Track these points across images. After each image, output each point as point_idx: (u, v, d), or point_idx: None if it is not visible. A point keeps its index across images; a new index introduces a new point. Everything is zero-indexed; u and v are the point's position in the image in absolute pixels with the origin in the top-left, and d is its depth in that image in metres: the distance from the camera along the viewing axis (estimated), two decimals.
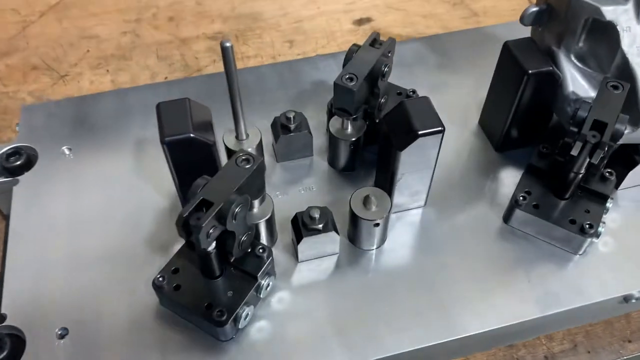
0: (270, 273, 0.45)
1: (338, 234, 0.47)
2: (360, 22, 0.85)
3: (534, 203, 0.49)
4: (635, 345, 0.54)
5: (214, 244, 0.41)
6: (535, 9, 0.52)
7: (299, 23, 0.84)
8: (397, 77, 0.63)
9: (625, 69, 0.48)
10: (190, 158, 0.45)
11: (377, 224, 0.47)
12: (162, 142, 0.43)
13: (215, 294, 0.43)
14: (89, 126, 0.59)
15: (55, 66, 0.78)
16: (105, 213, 0.52)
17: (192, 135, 0.44)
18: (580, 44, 0.51)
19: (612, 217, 0.52)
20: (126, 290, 0.47)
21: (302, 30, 0.83)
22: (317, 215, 0.46)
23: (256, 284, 0.44)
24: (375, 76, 0.49)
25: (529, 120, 0.53)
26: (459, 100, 0.61)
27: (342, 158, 0.54)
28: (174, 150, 0.44)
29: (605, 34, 0.48)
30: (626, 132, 0.49)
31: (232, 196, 0.39)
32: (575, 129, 0.45)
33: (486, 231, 0.51)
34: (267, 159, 0.56)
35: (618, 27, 0.47)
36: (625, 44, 0.47)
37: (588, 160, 0.45)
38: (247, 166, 0.41)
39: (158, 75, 0.77)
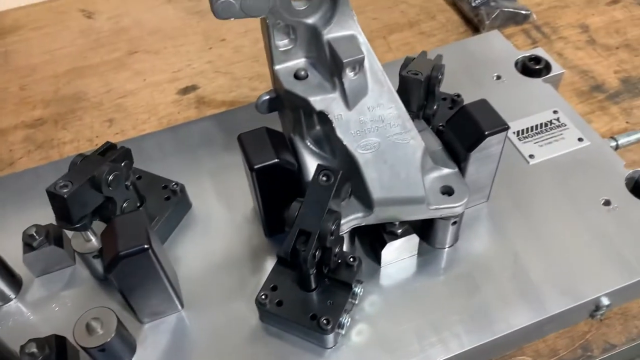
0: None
1: None
2: (185, 91, 0.83)
3: (278, 300, 0.47)
4: None
5: None
6: (266, 97, 0.51)
7: (123, 99, 0.83)
8: (179, 164, 0.62)
9: (347, 154, 0.46)
10: None
11: (103, 349, 0.44)
12: None
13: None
14: None
15: None
16: None
17: None
18: (317, 128, 0.50)
19: (372, 300, 0.50)
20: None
21: (124, 107, 0.82)
22: (34, 350, 0.44)
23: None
24: (98, 184, 0.47)
25: (284, 205, 0.52)
26: (238, 183, 0.59)
27: (97, 270, 0.52)
28: None
29: (327, 122, 0.47)
30: (361, 215, 0.48)
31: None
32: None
33: (242, 332, 0.49)
34: (26, 273, 0.53)
35: (330, 116, 0.46)
36: (339, 131, 0.46)
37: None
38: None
39: None
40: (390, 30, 0.90)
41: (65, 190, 0.45)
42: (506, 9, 0.86)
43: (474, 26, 0.88)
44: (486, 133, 0.48)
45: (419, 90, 0.52)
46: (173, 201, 0.55)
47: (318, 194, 0.43)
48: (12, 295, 0.52)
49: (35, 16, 0.97)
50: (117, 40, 0.92)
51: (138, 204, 0.54)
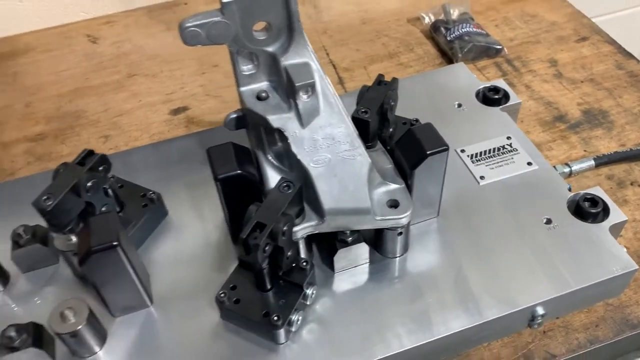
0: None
1: (41, 348, 0.50)
2: (176, 111, 0.90)
3: (236, 298, 0.52)
4: None
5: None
6: (234, 115, 0.56)
7: (118, 117, 0.89)
8: (159, 176, 0.67)
9: (300, 167, 0.52)
10: None
11: (75, 335, 0.49)
12: None
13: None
14: None
15: None
16: None
17: None
18: (278, 144, 0.55)
19: (324, 303, 0.55)
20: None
21: (119, 125, 0.88)
22: (13, 334, 0.49)
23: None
24: (78, 191, 0.53)
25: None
26: (212, 194, 0.64)
27: (77, 267, 0.57)
28: None
29: (284, 139, 0.52)
30: (314, 223, 0.53)
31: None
32: None
33: (204, 329, 0.54)
34: (14, 269, 0.59)
35: (286, 133, 0.51)
36: (294, 147, 0.51)
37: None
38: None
39: None
40: (371, 61, 0.96)
41: (48, 204, 0.50)
42: (479, 43, 0.92)
43: (449, 58, 0.94)
44: (428, 153, 0.53)
45: (368, 128, 0.57)
46: (150, 208, 0.61)
47: (277, 198, 0.49)
48: (1, 289, 0.57)
49: (45, 40, 1.05)
50: (118, 64, 0.99)
51: (118, 210, 0.60)
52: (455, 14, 0.98)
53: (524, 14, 1.03)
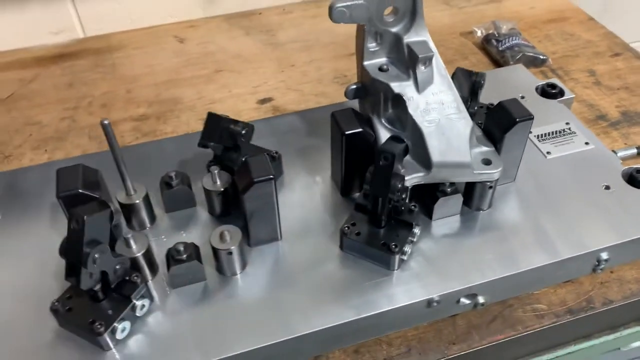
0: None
1: (201, 263, 0.60)
2: (263, 101, 1.02)
3: (357, 232, 0.63)
4: (458, 346, 0.66)
5: None
6: (354, 86, 0.68)
7: (212, 104, 1.01)
8: (272, 143, 0.79)
9: (415, 126, 0.64)
10: None
11: (230, 252, 0.60)
12: (57, 197, 0.57)
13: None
14: (18, 193, 0.73)
15: (1, 149, 0.92)
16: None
17: (80, 190, 0.58)
18: (390, 111, 0.67)
19: (426, 242, 0.66)
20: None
21: (213, 110, 0.99)
22: (181, 248, 0.59)
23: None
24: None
25: (360, 169, 0.68)
26: (317, 158, 0.76)
27: (216, 207, 0.68)
28: (68, 204, 0.58)
29: (401, 103, 0.64)
30: (422, 174, 0.64)
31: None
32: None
33: (326, 259, 0.64)
34: (158, 210, 0.70)
35: (404, 97, 0.63)
36: (411, 109, 0.63)
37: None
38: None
39: (88, 151, 0.92)
40: None
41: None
42: (527, 53, 1.05)
43: (500, 66, 1.07)
44: (517, 120, 0.65)
45: (468, 82, 0.69)
46: (272, 165, 0.72)
47: (383, 171, 0.59)
48: (149, 225, 0.68)
49: (136, 39, 1.18)
50: (205, 61, 1.12)
51: None
52: (504, 28, 1.11)
53: (563, 33, 1.17)
